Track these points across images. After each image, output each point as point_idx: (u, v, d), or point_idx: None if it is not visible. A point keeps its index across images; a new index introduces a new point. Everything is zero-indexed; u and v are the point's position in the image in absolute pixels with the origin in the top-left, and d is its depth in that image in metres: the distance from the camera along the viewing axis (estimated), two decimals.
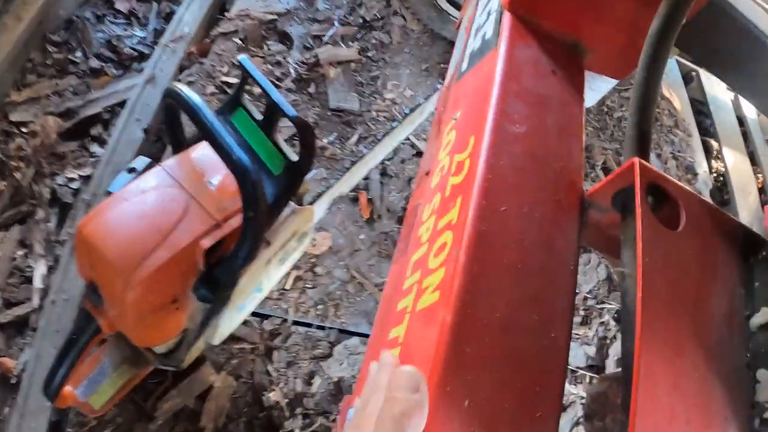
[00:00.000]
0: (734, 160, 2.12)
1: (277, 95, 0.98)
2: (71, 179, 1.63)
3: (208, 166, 1.05)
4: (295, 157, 1.04)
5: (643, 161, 0.60)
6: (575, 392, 1.43)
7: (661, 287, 0.58)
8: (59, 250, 1.50)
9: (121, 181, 1.08)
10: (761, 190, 2.10)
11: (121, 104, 1.74)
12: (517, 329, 0.59)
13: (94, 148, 1.70)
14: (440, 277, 0.60)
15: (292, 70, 1.81)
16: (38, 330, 1.34)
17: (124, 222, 0.96)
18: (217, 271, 0.99)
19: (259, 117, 1.08)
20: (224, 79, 1.75)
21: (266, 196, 0.95)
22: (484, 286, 0.58)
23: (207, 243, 0.97)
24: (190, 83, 1.74)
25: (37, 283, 1.44)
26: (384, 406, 0.47)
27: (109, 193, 1.03)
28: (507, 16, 0.82)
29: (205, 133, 0.91)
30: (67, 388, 1.11)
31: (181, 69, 1.79)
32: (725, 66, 0.76)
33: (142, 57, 1.88)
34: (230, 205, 1.00)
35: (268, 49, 1.85)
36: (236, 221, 0.99)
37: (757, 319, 0.63)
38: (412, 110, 1.38)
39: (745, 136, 2.22)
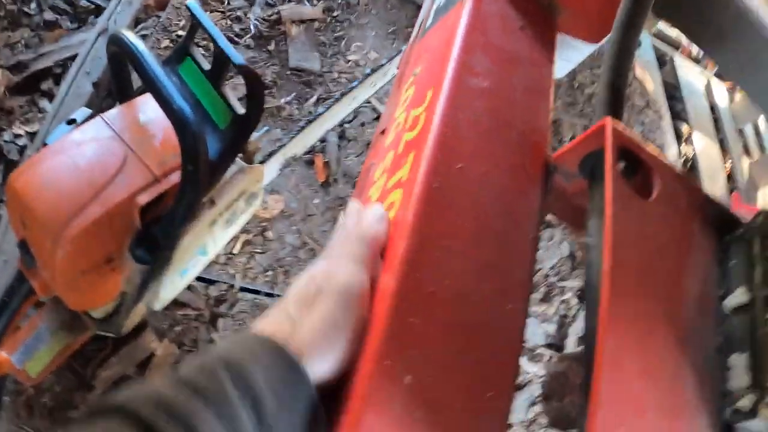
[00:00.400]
0: (704, 146, 2.10)
1: (223, 41, 0.91)
2: (18, 135, 1.54)
3: (152, 119, 0.99)
4: (242, 110, 0.96)
5: (616, 123, 0.55)
6: (533, 371, 1.39)
7: (630, 260, 0.54)
8: (3, 209, 1.41)
9: (60, 133, 1.01)
10: (729, 177, 2.08)
11: (74, 58, 1.63)
12: (469, 300, 0.54)
13: (44, 103, 1.61)
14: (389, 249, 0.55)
15: (252, 27, 1.73)
16: None
17: (57, 176, 0.90)
18: (155, 230, 0.92)
19: (208, 66, 1.00)
20: (181, 33, 1.67)
21: (208, 149, 0.89)
22: (433, 250, 0.53)
23: (144, 199, 0.90)
24: (144, 37, 1.66)
25: None
26: (352, 228, 0.49)
27: (44, 145, 0.97)
28: None
29: (146, 80, 0.85)
30: (2, 354, 1.05)
31: (137, 22, 1.70)
32: (710, 40, 0.73)
33: (99, 10, 1.78)
34: (172, 160, 0.94)
35: (229, 3, 1.77)
36: (177, 177, 0.92)
37: (731, 301, 0.59)
38: (373, 70, 1.31)
39: (716, 123, 2.21)
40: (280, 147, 1.17)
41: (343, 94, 1.28)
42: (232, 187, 1.05)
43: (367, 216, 0.50)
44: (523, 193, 0.62)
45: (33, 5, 1.74)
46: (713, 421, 0.54)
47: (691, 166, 2.07)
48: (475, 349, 0.52)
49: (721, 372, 0.56)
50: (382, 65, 1.31)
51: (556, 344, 1.48)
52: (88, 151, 0.92)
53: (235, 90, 1.02)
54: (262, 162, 1.16)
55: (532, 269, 0.61)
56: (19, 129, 1.55)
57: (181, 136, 0.84)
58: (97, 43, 1.58)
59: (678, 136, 2.13)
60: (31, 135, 1.54)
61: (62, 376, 1.20)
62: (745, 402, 0.54)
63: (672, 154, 2.04)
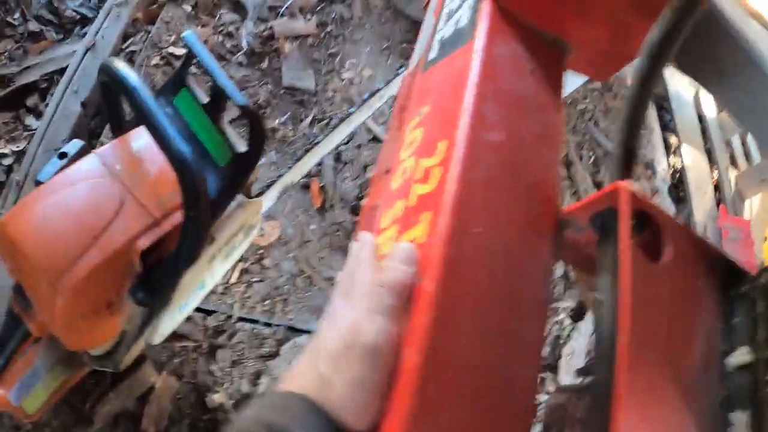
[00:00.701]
0: (692, 158, 2.11)
1: (225, 80, 0.88)
2: (3, 155, 1.49)
3: (147, 153, 0.95)
4: (243, 148, 0.94)
5: (630, 186, 0.56)
6: None
7: (640, 324, 0.54)
8: None
9: (51, 168, 0.97)
10: (716, 188, 2.09)
11: (61, 72, 1.59)
12: (485, 366, 0.55)
13: (30, 120, 1.55)
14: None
15: (244, 43, 1.69)
16: None
17: (52, 219, 0.86)
18: (156, 273, 0.89)
19: (205, 99, 0.97)
20: (171, 50, 1.62)
21: (209, 191, 0.86)
22: (452, 321, 0.53)
23: (144, 243, 0.88)
24: (133, 53, 1.62)
25: None
26: (374, 273, 0.47)
27: (38, 183, 0.93)
28: (486, 4, 0.73)
29: (142, 118, 0.82)
30: None
31: (126, 37, 1.65)
32: (712, 79, 0.73)
33: (85, 21, 1.72)
34: (170, 200, 0.91)
35: (220, 18, 1.72)
36: (177, 218, 0.90)
37: (734, 359, 0.60)
38: (370, 95, 1.28)
39: (704, 133, 2.22)
40: (279, 176, 1.15)
41: (341, 120, 1.25)
42: (232, 221, 1.03)
43: (394, 258, 0.49)
44: (535, 250, 0.62)
45: (17, 15, 1.68)
46: None
47: (680, 178, 2.09)
48: (491, 411, 0.53)
49: (723, 427, 0.58)
50: (379, 89, 1.28)
51: (551, 364, 1.49)
52: (83, 192, 0.89)
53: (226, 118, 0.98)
54: (260, 193, 1.14)
55: (545, 327, 0.62)
56: (5, 148, 1.50)
57: (182, 179, 0.81)
58: (85, 59, 1.54)
59: (666, 147, 2.14)
60: (18, 154, 1.48)
61: (60, 411, 1.17)
62: None
63: (662, 168, 2.05)
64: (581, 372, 0.71)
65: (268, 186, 1.13)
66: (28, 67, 1.60)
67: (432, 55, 0.85)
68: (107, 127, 1.48)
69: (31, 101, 1.58)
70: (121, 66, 0.83)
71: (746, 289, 0.61)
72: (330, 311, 0.48)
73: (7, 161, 1.47)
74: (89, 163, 0.92)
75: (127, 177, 0.91)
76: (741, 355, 0.59)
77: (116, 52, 1.59)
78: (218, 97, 0.93)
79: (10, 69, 1.58)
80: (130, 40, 1.63)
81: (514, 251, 0.59)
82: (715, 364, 0.60)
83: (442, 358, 0.51)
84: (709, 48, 0.68)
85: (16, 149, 1.49)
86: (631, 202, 0.55)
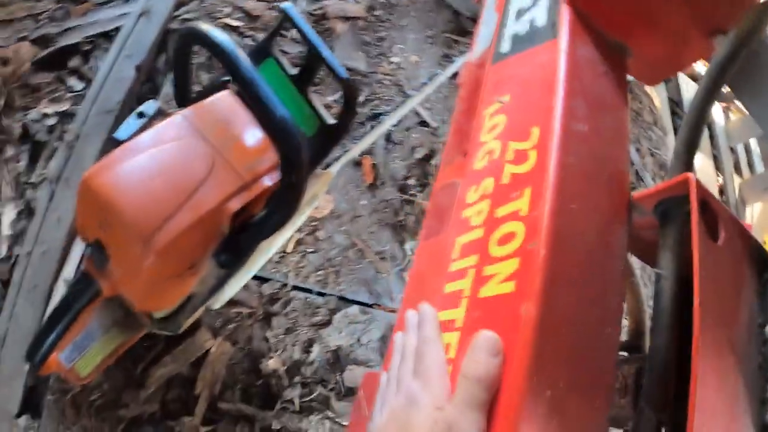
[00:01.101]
0: (700, 162, 2.17)
1: (328, 52, 0.88)
2: (46, 115, 1.43)
3: (233, 120, 0.93)
4: (331, 120, 0.94)
5: (694, 176, 0.62)
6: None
7: (708, 296, 0.60)
8: (30, 193, 1.33)
9: (130, 127, 0.96)
10: (721, 193, 2.16)
11: (104, 35, 1.54)
12: (583, 325, 0.60)
13: (72, 81, 1.50)
14: (513, 268, 0.59)
15: None
16: (11, 285, 1.19)
17: (142, 177, 0.83)
18: (243, 237, 0.89)
19: (292, 71, 0.96)
20: (226, 21, 1.59)
21: (307, 157, 0.86)
22: (559, 281, 0.57)
23: (235, 205, 0.86)
24: (187, 20, 1.57)
25: (6, 229, 1.27)
26: (462, 366, 0.47)
27: (114, 140, 0.91)
28: (565, 8, 0.79)
29: (243, 83, 0.80)
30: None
31: (179, 5, 1.60)
32: (754, 98, 0.79)
33: None
34: (258, 164, 0.89)
35: None
36: (265, 183, 0.89)
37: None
38: (430, 79, 1.30)
39: (712, 140, 2.29)
40: (345, 152, 1.16)
41: (397, 105, 1.27)
42: (307, 191, 1.03)
43: (480, 349, 0.48)
44: (614, 230, 0.67)
45: None
46: (755, 421, 0.62)
47: None
48: (589, 366, 0.58)
49: (762, 384, 0.65)
50: (436, 75, 1.30)
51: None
52: (173, 152, 0.86)
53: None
54: (328, 165, 1.14)
55: (623, 298, 0.67)
56: (47, 108, 1.44)
57: (285, 146, 0.80)
58: (138, 24, 1.50)
59: None
60: (61, 115, 1.44)
61: (111, 374, 1.15)
62: None
63: None
64: (628, 343, 0.79)
65: (337, 158, 1.14)
66: (70, 29, 1.55)
67: (504, 48, 0.88)
68: (161, 93, 1.47)
69: (73, 63, 1.52)
70: (213, 29, 0.81)
71: None
72: (404, 388, 0.48)
73: (49, 121, 1.43)
74: (176, 123, 0.88)
75: (216, 139, 0.88)
76: None
77: (170, 19, 1.55)
78: (310, 68, 0.93)
79: (52, 29, 1.53)
80: (183, 8, 1.59)
81: (599, 227, 0.64)
82: (755, 334, 0.68)
83: (552, 315, 0.55)
84: (759, 74, 0.73)
85: (59, 110, 1.44)
86: (699, 190, 0.61)
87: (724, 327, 0.64)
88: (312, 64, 0.92)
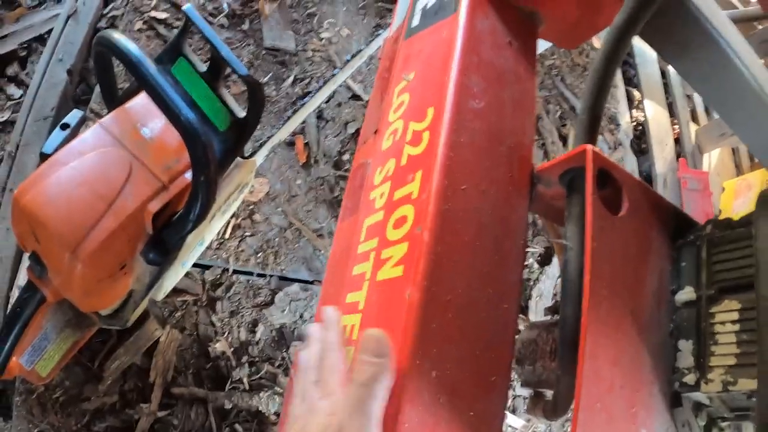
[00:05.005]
0: (654, 112, 2.21)
1: (226, 51, 0.94)
2: None
3: (149, 123, 1.00)
4: (242, 114, 1.01)
5: (595, 148, 0.64)
6: None
7: (603, 268, 0.63)
8: None
9: (55, 139, 1.02)
10: (677, 142, 2.21)
11: (39, 39, 1.60)
12: (475, 304, 0.62)
13: (12, 90, 1.56)
14: (403, 252, 0.63)
15: (225, 6, 1.72)
16: None
17: (65, 189, 0.91)
18: (166, 234, 0.97)
19: (203, 67, 1.03)
20: (153, 14, 1.63)
21: (215, 155, 0.93)
22: (446, 264, 0.61)
23: (155, 207, 0.94)
24: (115, 17, 1.62)
25: None
26: (345, 364, 0.50)
27: (42, 154, 0.98)
28: None
29: (148, 89, 0.85)
30: (12, 358, 1.08)
31: (106, 2, 1.65)
32: (672, 52, 0.79)
33: None
34: (175, 164, 0.97)
35: None
36: (183, 181, 0.97)
37: (681, 296, 0.70)
38: (353, 56, 1.35)
39: (667, 88, 2.32)
40: (269, 137, 1.22)
41: (324, 82, 1.32)
42: (230, 181, 1.10)
43: (366, 351, 0.50)
44: (514, 204, 0.70)
45: None
46: (665, 390, 0.66)
47: (642, 132, 2.21)
48: (481, 343, 0.61)
49: (672, 352, 0.68)
50: (360, 50, 1.35)
51: (521, 305, 1.62)
52: (93, 162, 0.93)
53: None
54: (252, 153, 1.21)
55: (522, 271, 0.70)
56: None
57: (192, 148, 0.87)
58: (67, 27, 1.55)
59: (630, 101, 2.26)
60: (2, 124, 1.51)
61: (71, 371, 1.24)
62: (689, 378, 0.66)
63: (625, 121, 2.16)
64: (549, 310, 0.81)
65: (261, 145, 1.21)
66: (6, 36, 1.60)
67: (414, 22, 0.91)
68: (94, 93, 1.51)
69: (11, 70, 1.58)
70: (120, 37, 0.85)
71: (692, 238, 0.71)
72: (307, 398, 0.50)
73: None
74: (95, 133, 0.96)
75: (133, 145, 0.95)
76: (686, 294, 0.69)
77: (98, 18, 1.60)
78: (217, 65, 0.99)
79: None
80: (111, 5, 1.63)
81: (496, 204, 0.67)
82: (666, 301, 0.71)
83: (438, 297, 0.58)
84: (670, 23, 0.73)
85: (1, 119, 1.51)
86: (596, 162, 0.64)
87: (626, 296, 0.66)
88: (217, 61, 0.98)
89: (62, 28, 1.55)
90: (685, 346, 0.68)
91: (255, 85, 0.96)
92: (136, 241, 0.97)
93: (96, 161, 0.94)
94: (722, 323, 0.65)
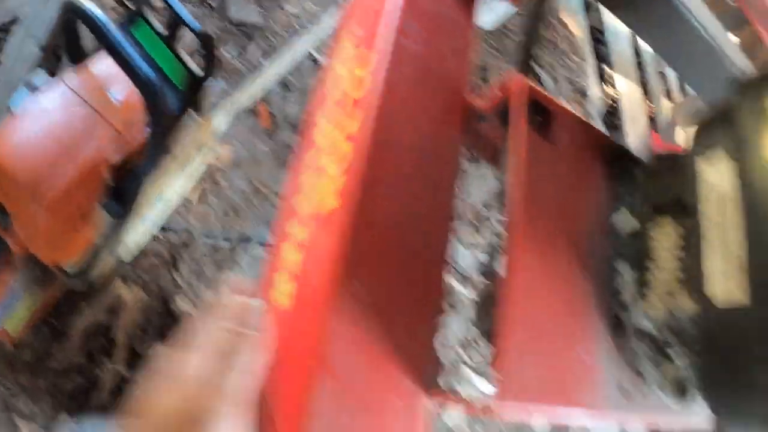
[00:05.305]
0: (627, 89, 2.30)
1: (180, 8, 1.04)
2: None
3: (109, 79, 1.10)
4: (197, 70, 1.11)
5: (525, 79, 0.70)
6: (468, 295, 1.62)
7: (537, 193, 0.68)
8: None
9: (21, 97, 1.11)
10: (652, 119, 2.29)
11: (12, 22, 1.66)
12: (407, 229, 0.67)
13: None
14: (341, 184, 0.66)
15: None
16: None
17: (30, 142, 1.00)
18: (124, 184, 1.06)
19: (161, 29, 1.12)
20: None
21: (170, 108, 1.03)
22: (379, 191, 0.65)
23: (114, 158, 1.04)
24: None
25: None
26: (215, 335, 0.45)
27: (9, 110, 1.06)
28: None
29: (110, 49, 0.94)
30: None
31: None
32: (627, 13, 0.85)
33: None
34: (135, 119, 1.06)
35: None
36: (141, 134, 1.06)
37: (618, 218, 0.75)
38: (312, 25, 1.45)
39: (640, 66, 2.41)
40: (228, 98, 1.33)
41: (284, 50, 1.42)
42: (186, 137, 1.19)
43: (233, 321, 0.46)
44: (447, 135, 0.76)
45: None
46: (605, 313, 0.68)
47: (614, 109, 2.30)
48: (413, 267, 0.65)
49: (611, 274, 0.71)
50: (320, 19, 1.45)
51: (488, 272, 1.71)
52: (56, 117, 1.03)
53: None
54: (211, 114, 1.31)
55: (453, 195, 0.74)
56: None
57: (148, 100, 0.96)
58: (40, 5, 1.63)
59: (603, 78, 2.35)
60: None
61: (39, 331, 1.32)
62: (628, 300, 0.69)
63: (594, 95, 2.26)
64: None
65: (218, 107, 1.31)
66: None
67: None
68: (62, 65, 1.61)
69: None
70: (85, 2, 0.95)
71: (630, 166, 0.76)
72: (173, 362, 0.43)
73: None
74: (58, 90, 1.05)
75: (94, 100, 1.05)
76: (623, 216, 0.73)
77: None
78: (174, 26, 1.09)
79: None
80: None
81: (429, 138, 0.73)
82: (606, 229, 0.74)
83: (369, 223, 0.62)
84: None
85: None
86: (525, 90, 0.69)
87: (560, 220, 0.70)
88: (174, 21, 1.08)
89: (37, 7, 1.64)
90: (623, 267, 0.72)
91: (207, 39, 1.06)
92: (96, 191, 1.06)
93: (60, 116, 1.03)
94: (659, 242, 0.69)
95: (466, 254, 1.66)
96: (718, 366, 0.56)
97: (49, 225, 1.02)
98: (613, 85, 2.33)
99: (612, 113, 2.27)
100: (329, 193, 0.68)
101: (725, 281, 0.56)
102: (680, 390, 0.69)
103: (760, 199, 0.55)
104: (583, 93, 2.23)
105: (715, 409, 0.59)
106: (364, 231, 0.62)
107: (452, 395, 0.64)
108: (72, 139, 1.02)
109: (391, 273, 0.64)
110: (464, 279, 1.56)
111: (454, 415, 1.51)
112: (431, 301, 0.67)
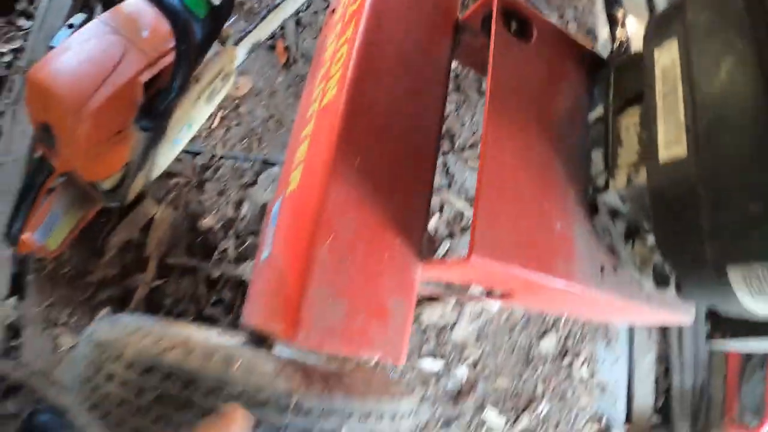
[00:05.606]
0: (637, 29, 2.35)
1: None
2: (2, 54, 1.76)
3: (140, 16, 1.26)
4: (217, 2, 1.28)
5: None
6: (468, 213, 1.83)
7: (510, 83, 0.77)
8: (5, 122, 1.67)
9: (62, 36, 1.28)
10: None
11: None
12: (399, 113, 0.76)
13: (22, 22, 1.81)
14: (338, 78, 0.77)
15: None
16: None
17: (71, 66, 1.16)
18: (155, 102, 1.24)
19: None
20: None
21: (195, 36, 1.21)
22: (371, 78, 0.75)
23: (145, 77, 1.19)
24: None
25: None
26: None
27: (49, 47, 1.21)
28: None
29: None
30: (26, 235, 1.35)
31: None
32: None
33: None
34: (163, 46, 1.22)
35: None
36: (169, 58, 1.21)
37: (593, 114, 0.84)
38: None
39: (651, 7, 2.48)
40: (248, 33, 1.51)
41: None
42: (212, 66, 1.35)
43: None
44: (437, 43, 0.88)
45: None
46: (581, 197, 0.79)
47: (625, 50, 2.39)
48: (405, 143, 0.76)
49: (586, 163, 0.81)
50: None
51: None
52: (93, 46, 1.18)
53: None
54: (234, 45, 1.49)
55: (444, 93, 0.86)
56: (3, 47, 1.78)
57: (173, 22, 1.14)
58: None
59: (613, 21, 2.44)
60: (16, 51, 1.77)
61: (77, 248, 1.49)
62: (600, 181, 0.78)
63: (603, 35, 2.35)
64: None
65: (240, 38, 1.49)
66: None
67: None
68: (95, 15, 1.79)
69: (20, 5, 1.83)
70: None
71: (604, 69, 0.87)
72: None
73: (6, 58, 1.76)
74: (95, 25, 1.21)
75: (127, 32, 1.20)
76: (597, 111, 0.83)
77: None
78: None
79: None
80: None
81: (420, 39, 0.84)
82: (581, 123, 0.84)
83: (363, 104, 0.73)
84: None
85: (14, 47, 1.76)
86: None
87: (535, 110, 0.78)
88: None
89: None
90: (596, 154, 0.79)
91: None
92: (130, 110, 1.22)
93: (96, 45, 1.19)
94: (626, 128, 0.76)
95: (469, 175, 1.84)
96: (666, 217, 0.62)
97: (88, 138, 1.18)
98: (624, 26, 2.41)
99: (621, 54, 2.36)
100: (331, 88, 0.79)
101: (670, 142, 0.63)
102: (661, 279, 0.76)
103: (699, 68, 0.63)
104: (590, 33, 2.34)
105: (676, 269, 0.65)
106: (360, 112, 0.71)
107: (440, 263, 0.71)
108: (108, 63, 1.18)
109: (386, 150, 0.72)
110: (471, 201, 1.73)
111: (460, 330, 1.68)
112: (423, 181, 0.76)
